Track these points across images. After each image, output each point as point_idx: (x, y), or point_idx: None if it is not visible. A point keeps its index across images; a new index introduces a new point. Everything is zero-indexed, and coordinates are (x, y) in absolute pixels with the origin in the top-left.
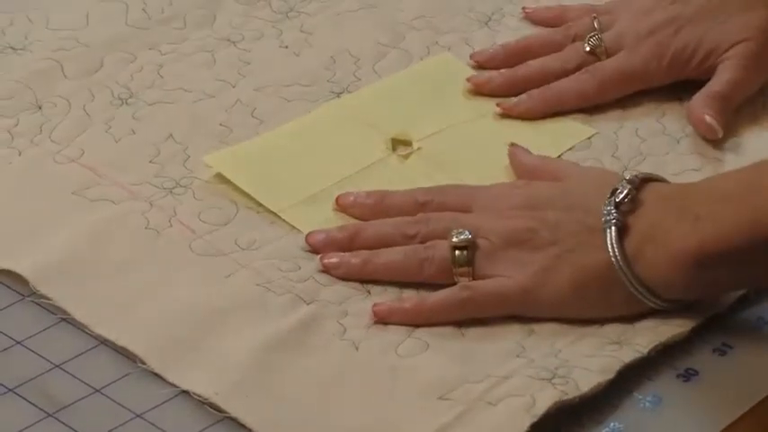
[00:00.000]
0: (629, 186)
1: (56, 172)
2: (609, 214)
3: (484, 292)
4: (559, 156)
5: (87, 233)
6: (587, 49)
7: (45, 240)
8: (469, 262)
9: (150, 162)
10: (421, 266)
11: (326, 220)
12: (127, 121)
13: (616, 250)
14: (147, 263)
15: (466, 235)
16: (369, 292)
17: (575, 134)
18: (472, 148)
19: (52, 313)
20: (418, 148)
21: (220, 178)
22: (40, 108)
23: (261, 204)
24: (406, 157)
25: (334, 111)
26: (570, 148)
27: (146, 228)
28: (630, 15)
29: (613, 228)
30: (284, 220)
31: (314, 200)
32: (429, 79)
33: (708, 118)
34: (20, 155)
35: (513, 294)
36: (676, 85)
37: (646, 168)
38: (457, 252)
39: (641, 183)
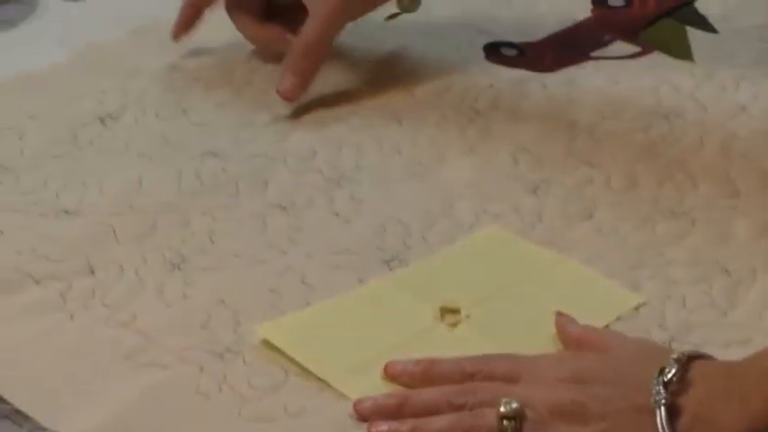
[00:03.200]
0: (676, 365)
1: (107, 336)
2: (658, 394)
3: None
4: (606, 325)
5: (137, 398)
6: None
7: (95, 404)
8: None
9: (201, 328)
10: None
11: (375, 387)
12: (178, 286)
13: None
14: (197, 428)
15: (515, 405)
16: None
17: (622, 302)
18: (520, 316)
19: None
20: (467, 316)
21: (270, 344)
22: (92, 272)
23: (310, 371)
24: (455, 325)
25: (384, 283)
26: (617, 318)
27: (196, 393)
28: None
29: (663, 408)
30: (333, 388)
31: (362, 367)
32: (478, 253)
33: None
34: (71, 318)
35: None
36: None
37: (694, 339)
38: (505, 422)
39: (688, 360)
